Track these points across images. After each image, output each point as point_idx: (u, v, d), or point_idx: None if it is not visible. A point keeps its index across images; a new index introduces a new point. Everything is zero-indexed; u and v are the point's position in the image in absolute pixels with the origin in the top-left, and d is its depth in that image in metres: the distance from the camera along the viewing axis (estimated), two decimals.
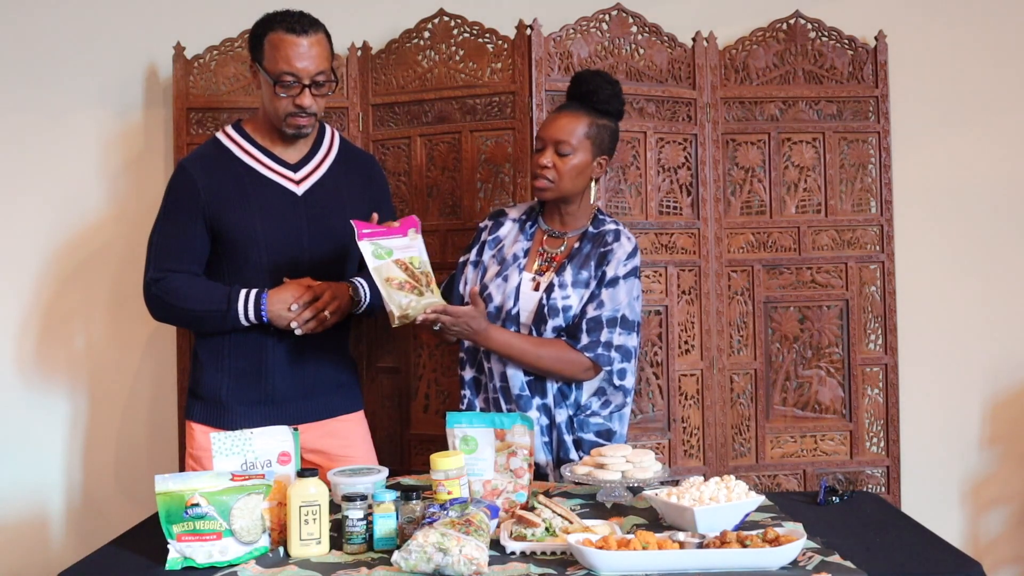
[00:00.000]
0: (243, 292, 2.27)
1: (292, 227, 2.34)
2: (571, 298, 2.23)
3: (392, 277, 2.06)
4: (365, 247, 2.07)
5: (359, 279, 2.38)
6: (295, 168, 2.37)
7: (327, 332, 2.34)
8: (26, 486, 2.98)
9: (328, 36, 2.32)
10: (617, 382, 2.23)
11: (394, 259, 2.08)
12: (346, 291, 2.34)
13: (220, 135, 2.39)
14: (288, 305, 2.25)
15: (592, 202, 2.33)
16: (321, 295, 2.28)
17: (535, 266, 2.30)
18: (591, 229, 2.31)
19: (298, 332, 2.27)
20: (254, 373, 2.34)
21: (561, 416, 2.25)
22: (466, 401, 2.31)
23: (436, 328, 2.13)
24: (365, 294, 2.36)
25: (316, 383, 2.39)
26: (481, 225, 2.40)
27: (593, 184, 2.29)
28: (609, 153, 2.28)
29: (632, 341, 2.24)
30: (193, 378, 2.41)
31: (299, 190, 2.36)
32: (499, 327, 2.21)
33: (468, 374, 2.33)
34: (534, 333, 2.23)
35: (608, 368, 2.21)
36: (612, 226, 2.31)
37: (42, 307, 3.00)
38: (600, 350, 2.20)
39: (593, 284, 2.23)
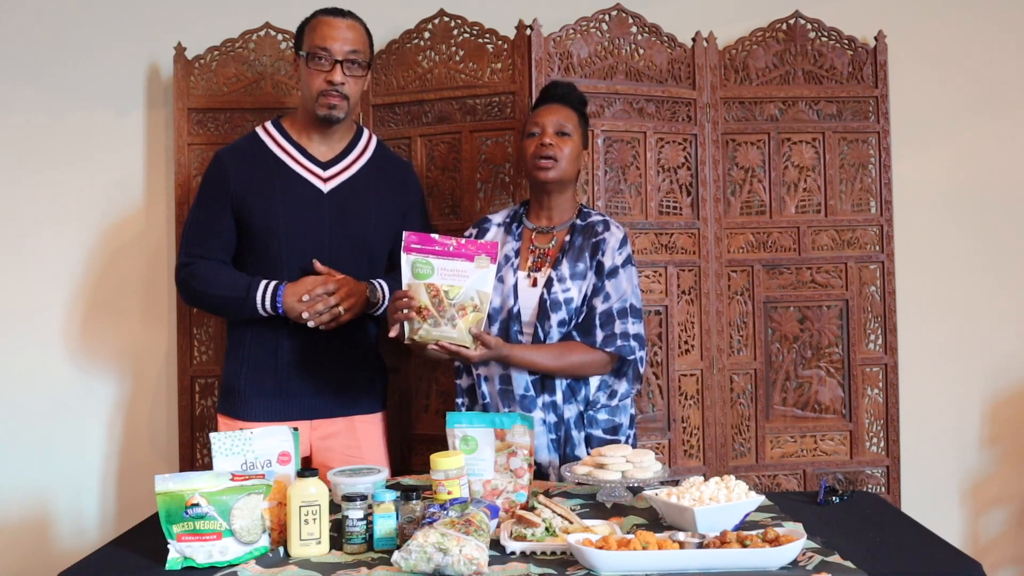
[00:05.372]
0: (263, 282, 2.32)
1: (314, 223, 2.37)
2: (571, 291, 2.26)
3: (416, 299, 2.05)
4: (406, 261, 2.05)
5: (380, 280, 2.40)
6: (325, 166, 2.41)
7: (348, 330, 2.37)
8: (27, 486, 2.97)
9: (367, 30, 2.43)
10: (641, 370, 2.29)
11: (429, 282, 2.04)
12: (363, 290, 2.35)
13: (259, 129, 2.46)
14: (300, 296, 2.28)
15: (577, 198, 2.42)
16: (336, 290, 2.29)
17: (528, 263, 2.33)
18: (578, 222, 2.35)
19: (310, 324, 2.30)
20: (270, 365, 2.38)
21: (570, 412, 2.27)
22: (464, 409, 2.33)
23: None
24: (384, 296, 2.38)
25: (332, 380, 2.41)
26: (466, 233, 2.43)
27: (583, 173, 2.39)
28: (586, 148, 2.41)
29: (642, 328, 2.30)
30: (223, 370, 2.48)
31: (325, 187, 2.40)
32: (518, 346, 2.23)
33: (465, 382, 2.35)
34: (538, 329, 2.25)
35: (632, 357, 2.26)
36: (599, 217, 2.37)
37: (41, 306, 2.99)
38: (620, 342, 2.24)
39: (591, 275, 2.27)
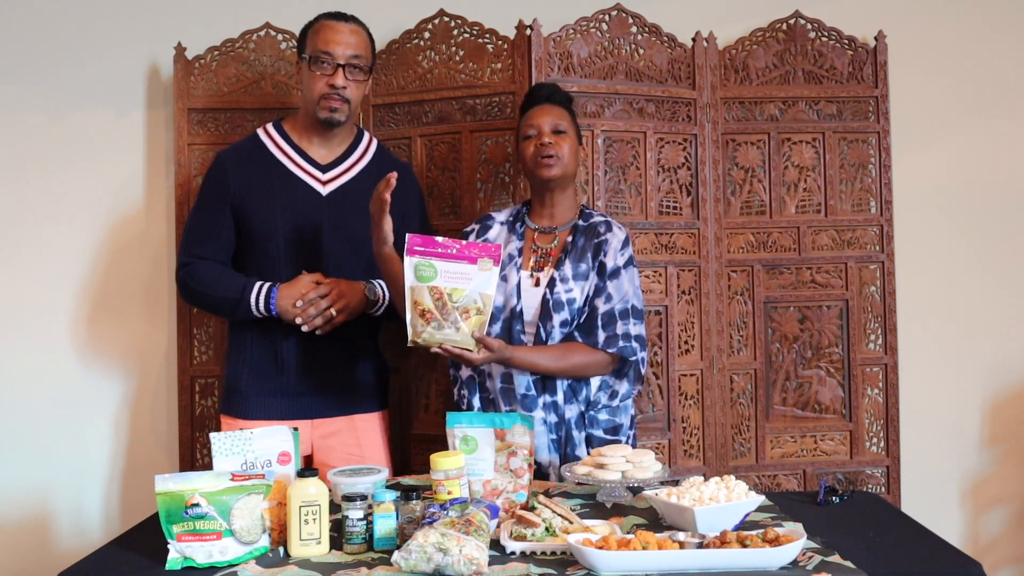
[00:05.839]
0: (258, 284, 2.34)
1: (312, 226, 2.38)
2: (574, 291, 2.26)
3: (419, 302, 2.04)
4: (409, 264, 2.04)
5: (379, 280, 2.39)
6: (325, 169, 2.42)
7: (348, 330, 2.37)
8: (28, 485, 2.97)
9: (370, 35, 2.45)
10: (642, 370, 2.30)
11: (432, 284, 2.04)
12: (359, 290, 2.36)
13: (260, 131, 2.48)
14: (294, 301, 2.29)
15: (578, 199, 2.44)
16: (328, 292, 2.30)
17: (531, 263, 2.33)
18: (580, 222, 2.36)
19: (304, 328, 2.31)
20: (271, 365, 2.40)
21: (571, 412, 2.27)
22: (465, 401, 2.33)
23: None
24: (383, 295, 2.38)
25: (333, 379, 2.42)
26: (467, 229, 2.43)
27: (583, 172, 2.40)
28: (581, 144, 2.42)
29: (644, 329, 2.31)
30: (225, 370, 2.50)
31: (324, 190, 2.41)
32: (520, 348, 2.23)
33: (465, 373, 2.34)
34: (540, 329, 2.25)
35: (634, 358, 2.27)
36: (601, 217, 2.38)
37: (42, 307, 2.99)
38: (622, 343, 2.25)
39: (594, 276, 2.28)
